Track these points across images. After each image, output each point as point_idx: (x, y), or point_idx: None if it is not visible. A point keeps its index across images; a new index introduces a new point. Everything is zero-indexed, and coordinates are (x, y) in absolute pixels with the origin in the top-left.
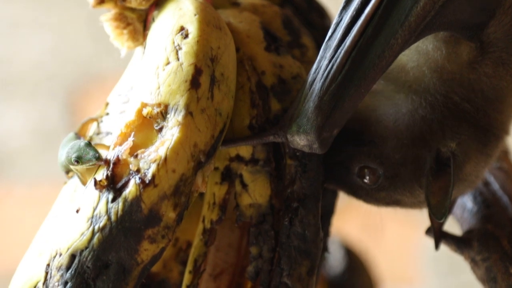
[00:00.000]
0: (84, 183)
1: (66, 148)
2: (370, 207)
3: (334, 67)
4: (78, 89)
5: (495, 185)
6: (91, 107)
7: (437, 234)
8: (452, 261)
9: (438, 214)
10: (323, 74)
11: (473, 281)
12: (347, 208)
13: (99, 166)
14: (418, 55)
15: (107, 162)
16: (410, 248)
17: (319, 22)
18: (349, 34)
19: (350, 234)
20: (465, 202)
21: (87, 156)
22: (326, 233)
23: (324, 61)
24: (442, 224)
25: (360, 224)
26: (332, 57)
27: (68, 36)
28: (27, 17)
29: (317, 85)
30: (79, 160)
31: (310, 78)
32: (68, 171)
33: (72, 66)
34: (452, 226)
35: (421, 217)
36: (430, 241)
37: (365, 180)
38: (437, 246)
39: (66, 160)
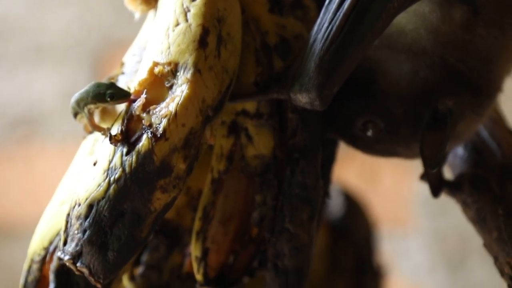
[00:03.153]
0: (92, 126)
1: (85, 88)
2: (368, 157)
3: (334, 28)
4: (103, 55)
5: (484, 133)
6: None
7: (435, 181)
8: (441, 204)
9: (430, 165)
10: (323, 35)
11: (459, 221)
12: (346, 158)
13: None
14: (415, 17)
15: (131, 102)
16: (403, 192)
17: None
18: None
19: (349, 181)
20: (456, 150)
21: (121, 93)
22: (327, 181)
23: (325, 24)
24: (440, 171)
25: (358, 172)
26: (332, 19)
27: (93, 6)
28: None
29: (318, 46)
30: (114, 95)
31: (311, 39)
32: (76, 113)
33: (96, 34)
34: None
35: (413, 164)
36: (421, 186)
37: (368, 133)
38: (435, 193)
39: (90, 96)
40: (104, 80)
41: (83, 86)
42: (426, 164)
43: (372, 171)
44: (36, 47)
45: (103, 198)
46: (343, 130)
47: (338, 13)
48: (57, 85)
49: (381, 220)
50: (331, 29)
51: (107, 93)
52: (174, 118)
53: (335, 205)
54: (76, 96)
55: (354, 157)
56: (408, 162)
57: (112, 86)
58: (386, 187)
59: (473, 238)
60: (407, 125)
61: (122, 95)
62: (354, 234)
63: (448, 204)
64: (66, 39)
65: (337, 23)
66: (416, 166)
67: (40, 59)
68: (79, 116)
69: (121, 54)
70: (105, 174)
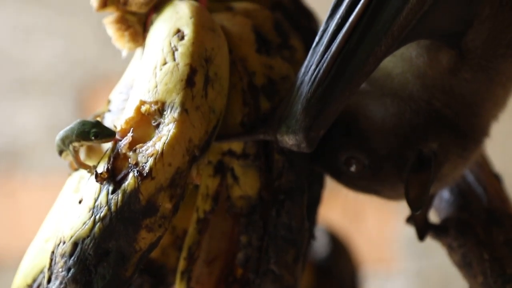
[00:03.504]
0: (78, 164)
1: (70, 126)
2: (352, 197)
3: (321, 71)
4: (87, 88)
5: (470, 177)
6: (98, 104)
7: (420, 225)
8: (424, 244)
9: (414, 207)
10: (310, 78)
11: (443, 263)
12: (330, 197)
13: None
14: (402, 61)
15: (117, 140)
16: (387, 232)
17: (307, 25)
18: (335, 41)
19: (334, 220)
20: (442, 193)
21: (105, 132)
22: (313, 222)
23: (312, 66)
24: (425, 215)
25: (341, 211)
26: (319, 62)
27: (77, 40)
28: (41, 24)
29: (305, 88)
30: (98, 134)
31: (298, 81)
32: (61, 151)
33: (81, 68)
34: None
35: (396, 205)
36: (404, 226)
37: (351, 169)
38: (421, 236)
39: (75, 134)
40: (90, 117)
41: (67, 120)
42: (410, 206)
43: (355, 211)
44: (21, 80)
45: (88, 236)
46: (328, 164)
47: (325, 56)
48: (41, 118)
49: (364, 260)
50: (318, 71)
51: (92, 132)
52: (160, 157)
53: (320, 245)
54: (61, 133)
55: (338, 196)
56: (392, 202)
57: (97, 124)
58: (370, 227)
59: (456, 279)
60: (391, 165)
61: (106, 134)
62: (338, 274)
63: (431, 245)
64: (50, 72)
65: (324, 65)
66: (399, 207)
67: (25, 92)
68: (64, 154)
69: (105, 88)
70: (91, 212)
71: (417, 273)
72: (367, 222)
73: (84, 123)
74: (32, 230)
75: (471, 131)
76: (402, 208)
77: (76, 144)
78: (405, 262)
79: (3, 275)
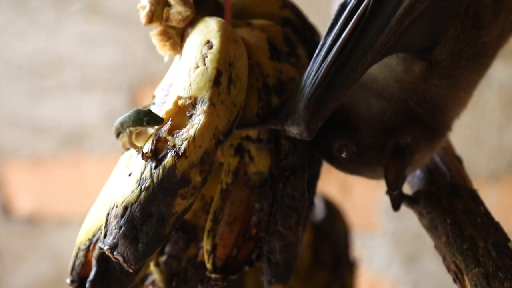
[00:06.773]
0: (130, 144)
1: (128, 114)
2: (343, 174)
3: (319, 76)
4: (136, 86)
5: (437, 158)
6: (144, 98)
7: (395, 197)
8: (400, 211)
9: (392, 188)
10: (311, 82)
11: (414, 225)
12: (327, 173)
13: (147, 136)
14: (385, 68)
15: (162, 125)
16: (370, 201)
17: (310, 38)
18: (331, 53)
19: (329, 191)
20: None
21: (155, 119)
22: (312, 193)
23: (312, 72)
24: (400, 189)
25: (335, 185)
26: (318, 69)
27: (129, 47)
28: (101, 33)
29: (307, 90)
30: (150, 121)
31: (302, 83)
32: (119, 133)
33: (131, 69)
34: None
35: (379, 181)
36: (384, 196)
37: (342, 155)
38: (395, 207)
39: (131, 121)
40: (141, 108)
41: (120, 110)
42: (388, 187)
43: (345, 184)
44: (85, 79)
45: (135, 202)
46: (323, 150)
47: (323, 64)
48: (100, 109)
49: (353, 225)
50: (317, 77)
51: (145, 119)
52: (193, 140)
53: (317, 209)
54: (120, 119)
55: (332, 173)
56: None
57: (149, 113)
58: (357, 197)
59: (425, 239)
60: (374, 152)
61: (156, 121)
62: (333, 234)
63: (405, 211)
64: (108, 72)
65: (322, 72)
66: (381, 182)
67: (87, 88)
68: (121, 136)
69: (150, 85)
70: (138, 183)
71: (393, 233)
72: (354, 193)
73: (139, 112)
74: (92, 195)
75: (438, 126)
76: (383, 183)
77: (131, 128)
78: (384, 225)
79: (70, 231)
